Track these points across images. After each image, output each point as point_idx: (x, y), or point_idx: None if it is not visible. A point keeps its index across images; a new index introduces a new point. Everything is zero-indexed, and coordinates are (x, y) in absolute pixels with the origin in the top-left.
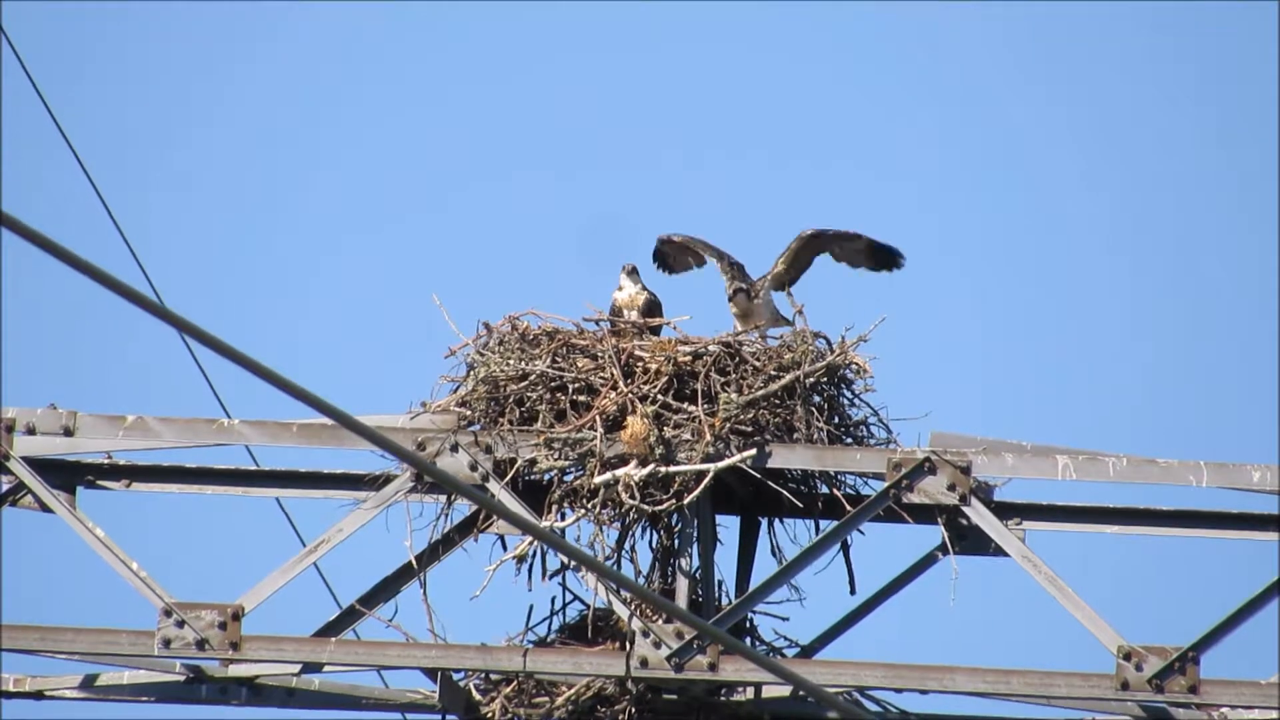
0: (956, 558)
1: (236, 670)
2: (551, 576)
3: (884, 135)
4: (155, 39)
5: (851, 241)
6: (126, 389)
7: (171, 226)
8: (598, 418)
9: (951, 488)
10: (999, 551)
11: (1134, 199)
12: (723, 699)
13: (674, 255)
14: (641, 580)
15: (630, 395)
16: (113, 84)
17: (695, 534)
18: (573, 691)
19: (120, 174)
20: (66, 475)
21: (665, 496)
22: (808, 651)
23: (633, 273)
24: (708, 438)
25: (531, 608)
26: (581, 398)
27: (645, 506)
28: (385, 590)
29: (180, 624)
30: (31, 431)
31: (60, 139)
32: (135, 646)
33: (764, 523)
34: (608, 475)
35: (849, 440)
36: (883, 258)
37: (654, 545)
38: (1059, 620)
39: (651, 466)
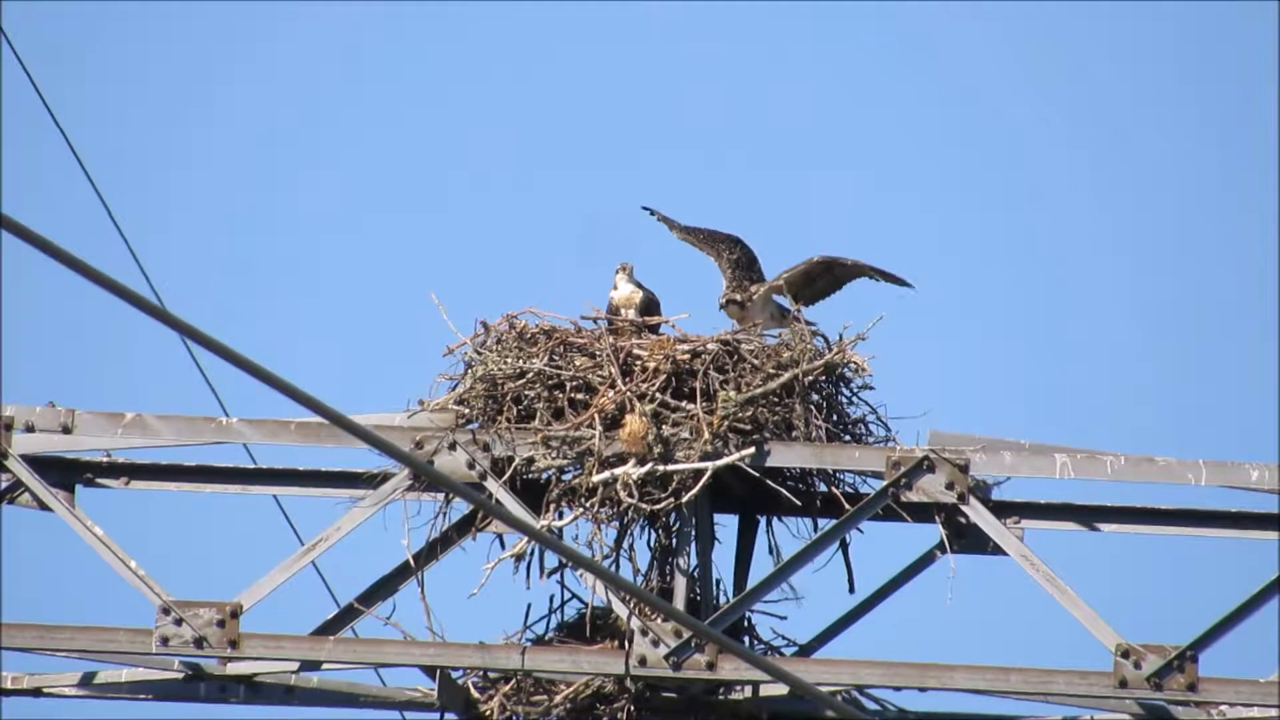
0: (955, 556)
1: (235, 668)
2: (550, 574)
3: (883, 135)
4: (155, 39)
5: (860, 271)
6: (126, 389)
7: (171, 226)
8: (596, 416)
9: (950, 486)
10: (997, 550)
11: (1133, 198)
12: (721, 697)
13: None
14: (639, 579)
15: (628, 394)
16: (113, 84)
17: (693, 532)
18: (571, 690)
19: (120, 174)
20: (65, 473)
21: (663, 495)
22: (806, 650)
23: (628, 272)
24: (706, 436)
25: (530, 606)
26: (579, 396)
27: (643, 505)
28: (383, 588)
29: (178, 622)
30: (30, 429)
31: (60, 139)
32: (133, 644)
33: (762, 521)
34: (606, 474)
35: (847, 438)
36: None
37: (652, 544)
38: (1057, 618)
39: (650, 465)
